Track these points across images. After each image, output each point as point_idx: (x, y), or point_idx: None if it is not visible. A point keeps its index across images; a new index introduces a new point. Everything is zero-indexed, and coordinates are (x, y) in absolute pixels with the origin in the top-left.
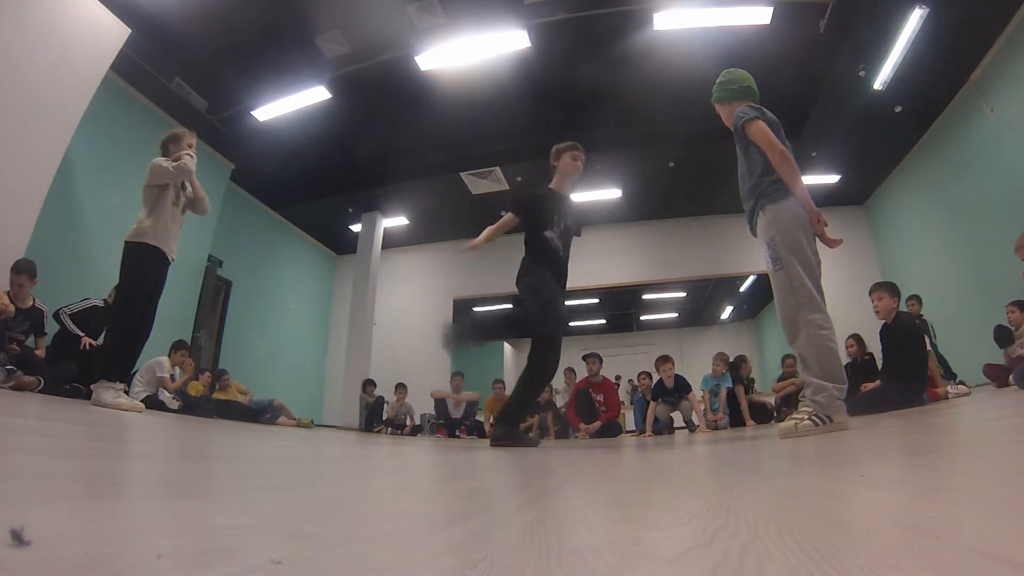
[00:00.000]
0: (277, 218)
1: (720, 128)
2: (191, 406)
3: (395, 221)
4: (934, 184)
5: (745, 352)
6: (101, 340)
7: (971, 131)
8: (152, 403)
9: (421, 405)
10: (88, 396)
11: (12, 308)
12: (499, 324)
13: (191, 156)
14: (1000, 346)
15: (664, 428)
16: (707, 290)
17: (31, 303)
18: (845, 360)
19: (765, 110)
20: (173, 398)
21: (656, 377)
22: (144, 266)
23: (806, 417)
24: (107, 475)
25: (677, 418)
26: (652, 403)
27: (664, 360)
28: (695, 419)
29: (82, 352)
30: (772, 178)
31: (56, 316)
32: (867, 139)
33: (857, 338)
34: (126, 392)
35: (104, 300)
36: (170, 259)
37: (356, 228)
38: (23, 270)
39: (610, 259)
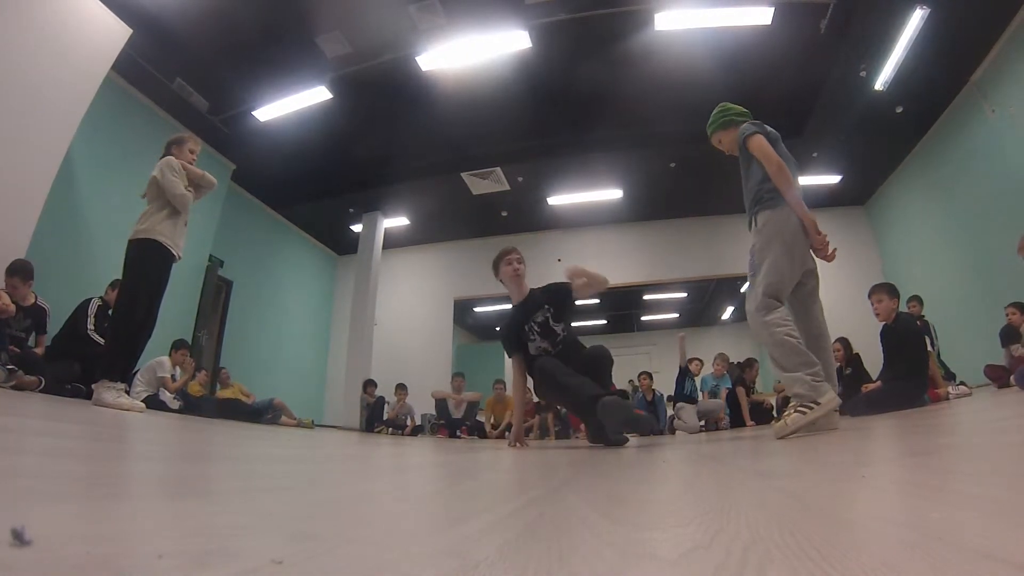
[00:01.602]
0: (278, 218)
1: None
2: (192, 406)
3: (396, 221)
4: (935, 184)
5: (746, 352)
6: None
7: (972, 131)
8: (153, 403)
9: (422, 405)
10: (89, 396)
11: (13, 307)
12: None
13: (193, 190)
14: (1003, 344)
15: (664, 429)
16: (708, 291)
17: (33, 300)
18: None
19: (765, 125)
20: (174, 398)
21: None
22: (148, 264)
23: (793, 411)
24: (108, 475)
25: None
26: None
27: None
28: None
29: (86, 351)
30: (769, 186)
31: (87, 336)
32: (868, 139)
33: (843, 342)
34: (127, 392)
35: (101, 297)
36: (176, 256)
37: (357, 228)
38: (15, 272)
39: (611, 260)
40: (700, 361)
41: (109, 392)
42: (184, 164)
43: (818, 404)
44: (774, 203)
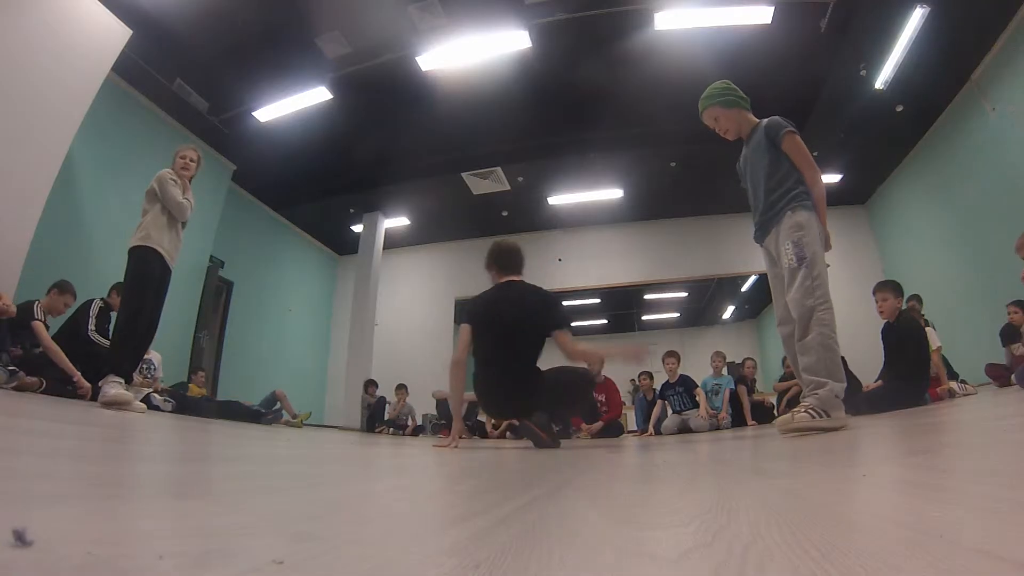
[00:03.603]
0: (278, 219)
1: None
2: (191, 407)
3: (396, 221)
4: (935, 183)
5: (747, 352)
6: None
7: (972, 130)
8: (148, 404)
9: (423, 405)
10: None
11: (13, 309)
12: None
13: (190, 202)
14: (1004, 344)
15: (664, 430)
16: (709, 290)
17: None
18: None
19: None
20: (165, 400)
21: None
22: (150, 269)
23: (803, 409)
24: (109, 476)
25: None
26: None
27: (718, 354)
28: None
29: (86, 352)
30: (805, 188)
31: (87, 338)
32: (868, 138)
33: None
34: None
35: (103, 299)
36: (169, 266)
37: (357, 228)
38: (71, 291)
39: (612, 259)
40: (649, 375)
41: (114, 386)
42: (179, 175)
43: (828, 417)
44: (811, 206)
